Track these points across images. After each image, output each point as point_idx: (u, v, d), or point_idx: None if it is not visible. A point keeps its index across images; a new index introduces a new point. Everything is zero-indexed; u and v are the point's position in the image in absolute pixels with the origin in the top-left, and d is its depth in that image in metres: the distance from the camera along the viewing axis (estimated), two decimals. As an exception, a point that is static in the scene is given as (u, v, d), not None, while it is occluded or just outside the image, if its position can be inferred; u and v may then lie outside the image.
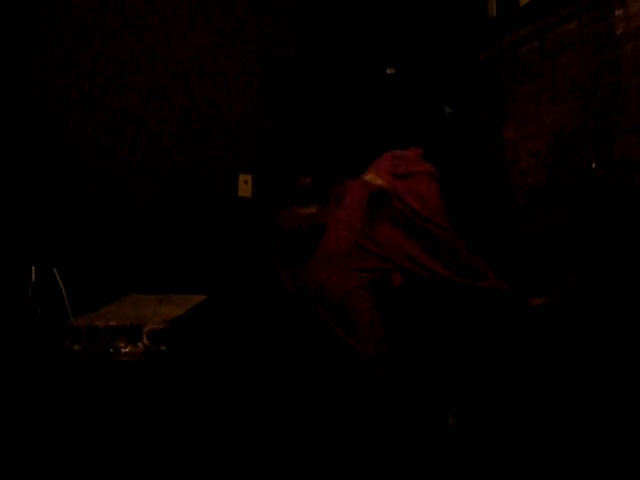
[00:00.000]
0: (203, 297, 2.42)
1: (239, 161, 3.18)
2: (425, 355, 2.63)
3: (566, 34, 3.10)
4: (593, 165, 2.63)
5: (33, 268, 2.41)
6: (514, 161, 3.47)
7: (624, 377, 2.50)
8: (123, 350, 2.05)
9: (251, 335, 2.52)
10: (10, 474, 1.89)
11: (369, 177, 2.59)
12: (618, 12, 2.80)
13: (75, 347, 2.08)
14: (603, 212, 2.76)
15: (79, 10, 2.93)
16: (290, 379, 2.51)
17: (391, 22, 3.70)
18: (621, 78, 2.78)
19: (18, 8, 2.80)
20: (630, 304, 2.60)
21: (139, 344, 2.06)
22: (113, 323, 2.10)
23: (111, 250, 2.87)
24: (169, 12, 3.11)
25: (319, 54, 3.46)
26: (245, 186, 3.21)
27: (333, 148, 3.50)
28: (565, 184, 2.85)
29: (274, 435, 2.43)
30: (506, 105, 3.54)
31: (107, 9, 2.98)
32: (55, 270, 2.42)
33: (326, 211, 3.04)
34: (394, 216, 2.50)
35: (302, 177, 3.20)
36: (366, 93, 3.66)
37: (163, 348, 2.08)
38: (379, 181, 2.55)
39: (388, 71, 3.35)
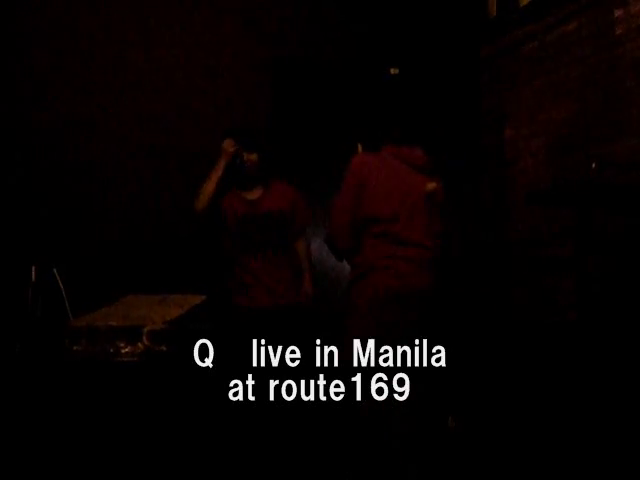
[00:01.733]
0: (203, 297, 2.42)
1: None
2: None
3: (566, 34, 3.10)
4: (593, 165, 2.62)
5: (33, 268, 2.41)
6: (514, 161, 3.47)
7: (625, 380, 2.50)
8: (123, 350, 2.05)
9: (250, 335, 2.53)
10: (10, 474, 1.89)
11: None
12: (618, 12, 2.79)
13: (75, 347, 2.08)
14: (603, 212, 2.76)
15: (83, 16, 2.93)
16: (289, 379, 2.51)
17: (391, 22, 3.70)
18: (621, 78, 2.78)
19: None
20: (631, 304, 2.61)
21: (139, 344, 2.06)
22: (113, 323, 2.10)
23: (111, 250, 2.87)
24: (171, 14, 3.11)
25: (319, 54, 3.46)
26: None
27: (332, 146, 3.50)
28: (565, 184, 2.85)
29: (273, 434, 2.44)
30: (506, 105, 3.54)
31: (110, 12, 2.99)
32: (55, 270, 2.42)
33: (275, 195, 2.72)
34: None
35: (247, 153, 2.73)
36: (366, 92, 3.66)
37: (163, 348, 2.08)
38: None
39: (392, 71, 3.24)
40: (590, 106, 2.94)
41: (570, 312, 2.90)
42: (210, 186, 2.62)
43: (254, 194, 2.76)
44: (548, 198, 2.72)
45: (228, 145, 2.66)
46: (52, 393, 1.98)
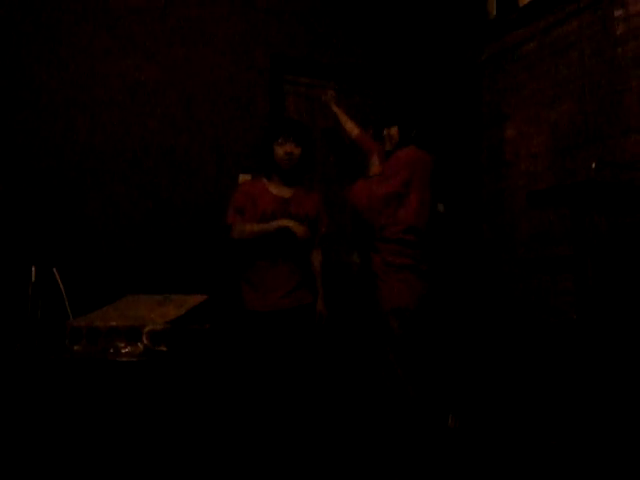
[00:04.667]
0: (203, 297, 2.42)
1: (239, 161, 3.18)
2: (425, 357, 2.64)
3: (566, 34, 3.10)
4: (593, 165, 2.62)
5: (33, 268, 2.41)
6: (514, 161, 3.47)
7: (624, 379, 2.50)
8: (123, 350, 2.05)
9: (250, 335, 2.52)
10: (10, 474, 1.89)
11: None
12: (618, 12, 2.79)
13: (75, 347, 2.08)
14: (603, 212, 2.76)
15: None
16: (289, 379, 2.51)
17: (391, 22, 3.70)
18: (621, 78, 2.78)
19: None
20: (631, 304, 2.60)
21: (139, 344, 2.06)
22: (113, 323, 2.10)
23: (111, 250, 2.87)
24: (172, 12, 3.12)
25: (320, 55, 3.47)
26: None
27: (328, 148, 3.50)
28: (565, 184, 2.85)
29: (273, 434, 2.44)
30: (506, 105, 3.54)
31: (112, 12, 2.99)
32: (55, 270, 2.42)
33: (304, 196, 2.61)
34: None
35: (292, 144, 2.53)
36: (365, 92, 3.66)
37: (163, 348, 2.08)
38: None
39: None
40: (590, 106, 2.94)
41: (570, 312, 2.90)
42: (255, 231, 2.49)
43: (285, 192, 2.58)
44: (548, 198, 2.72)
45: (283, 223, 2.49)
46: (52, 393, 1.98)
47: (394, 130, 2.75)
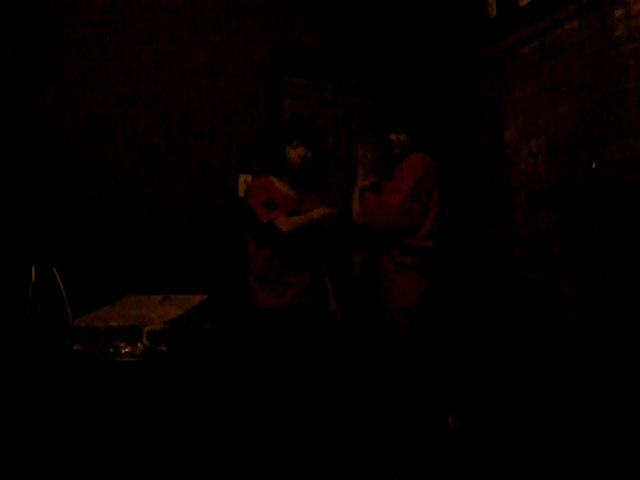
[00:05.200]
0: (203, 297, 2.42)
1: (239, 161, 3.18)
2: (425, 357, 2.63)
3: (566, 34, 3.10)
4: (593, 165, 2.62)
5: (33, 268, 2.41)
6: (514, 161, 3.47)
7: (623, 379, 2.50)
8: (123, 350, 2.05)
9: (250, 335, 2.52)
10: (10, 474, 1.89)
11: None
12: (618, 12, 2.79)
13: (75, 347, 2.08)
14: (603, 212, 2.76)
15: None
16: (299, 377, 2.51)
17: (391, 22, 3.70)
18: (621, 78, 2.78)
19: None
20: (630, 304, 2.60)
21: (139, 344, 2.06)
22: (113, 323, 2.10)
23: (111, 250, 2.87)
24: (174, 12, 3.11)
25: (319, 56, 3.47)
26: (245, 186, 3.20)
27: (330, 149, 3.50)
28: (565, 184, 2.85)
29: (272, 435, 2.44)
30: (506, 105, 3.54)
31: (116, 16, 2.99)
32: (55, 270, 2.42)
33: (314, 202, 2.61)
34: None
35: (305, 146, 2.54)
36: (365, 92, 3.66)
37: (163, 348, 2.08)
38: None
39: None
40: (590, 106, 2.94)
41: (570, 312, 2.90)
42: (303, 222, 2.47)
43: (297, 195, 2.61)
44: (548, 198, 2.72)
45: (321, 212, 2.51)
46: (52, 393, 1.98)
47: (404, 136, 2.71)
